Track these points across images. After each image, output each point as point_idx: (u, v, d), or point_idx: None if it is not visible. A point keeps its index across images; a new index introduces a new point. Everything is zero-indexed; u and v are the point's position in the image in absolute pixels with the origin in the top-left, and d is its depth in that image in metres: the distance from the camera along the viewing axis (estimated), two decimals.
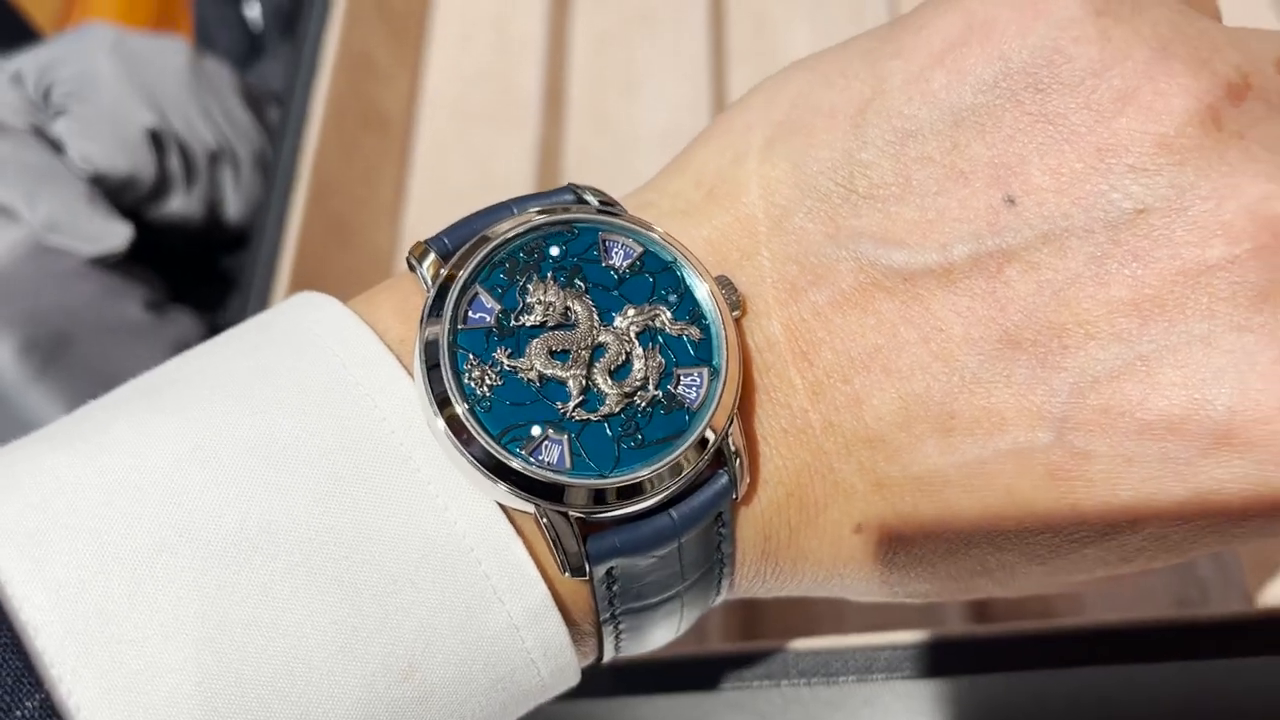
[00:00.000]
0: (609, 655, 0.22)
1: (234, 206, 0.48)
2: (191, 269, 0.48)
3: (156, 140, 0.44)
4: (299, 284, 0.41)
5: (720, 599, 0.23)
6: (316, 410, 0.19)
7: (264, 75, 0.57)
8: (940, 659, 0.27)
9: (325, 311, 0.21)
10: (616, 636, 0.22)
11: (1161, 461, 0.19)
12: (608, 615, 0.21)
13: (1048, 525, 0.20)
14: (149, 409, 0.19)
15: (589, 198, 0.22)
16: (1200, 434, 0.19)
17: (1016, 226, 0.20)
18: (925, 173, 0.20)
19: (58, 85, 0.43)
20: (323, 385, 0.20)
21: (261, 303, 0.40)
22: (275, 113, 0.51)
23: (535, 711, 0.22)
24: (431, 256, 0.21)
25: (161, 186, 0.45)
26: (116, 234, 0.41)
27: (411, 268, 0.21)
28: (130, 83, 0.44)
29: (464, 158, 0.51)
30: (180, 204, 0.45)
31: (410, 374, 0.20)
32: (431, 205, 0.49)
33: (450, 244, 0.21)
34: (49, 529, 0.18)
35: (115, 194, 0.44)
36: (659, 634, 0.22)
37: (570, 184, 0.23)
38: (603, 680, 0.28)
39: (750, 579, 0.22)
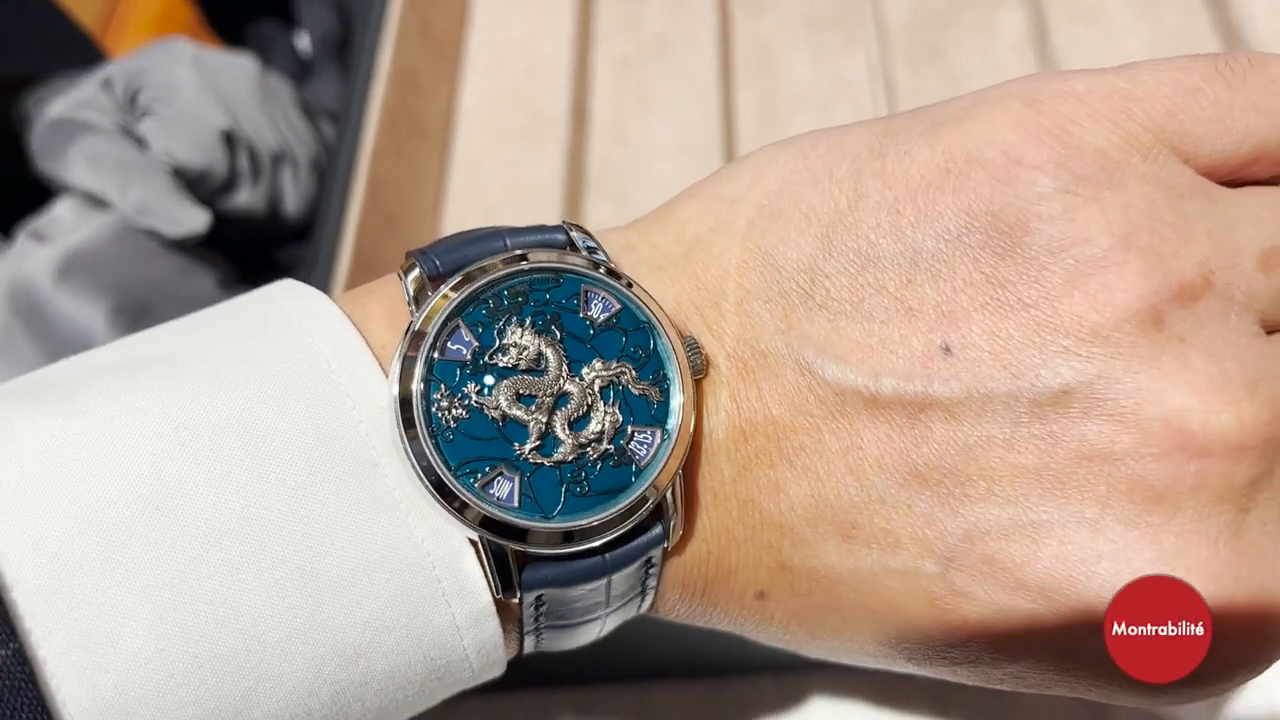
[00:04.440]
0: (528, 651, 0.23)
1: (292, 203, 0.53)
2: (252, 257, 0.54)
3: (229, 140, 0.50)
4: (356, 266, 0.46)
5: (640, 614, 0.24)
6: (298, 405, 0.20)
7: (315, 94, 0.62)
8: None
9: (316, 308, 0.21)
10: (537, 640, 0.23)
11: (1029, 618, 0.20)
12: (532, 628, 0.22)
13: (922, 640, 0.21)
14: (135, 382, 0.20)
15: (578, 240, 0.23)
16: (1068, 605, 0.19)
17: (946, 377, 0.20)
18: (877, 300, 0.21)
19: (145, 90, 0.49)
20: (307, 382, 0.20)
21: (323, 282, 0.45)
22: (327, 125, 0.57)
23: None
24: (417, 272, 0.21)
25: (231, 181, 0.50)
26: (196, 218, 0.47)
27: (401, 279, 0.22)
28: (207, 90, 0.49)
29: (497, 165, 0.56)
30: (246, 198, 0.51)
31: (386, 380, 0.21)
32: (467, 203, 0.55)
33: (441, 267, 0.21)
34: (29, 488, 0.18)
35: (192, 186, 0.49)
36: (578, 642, 0.23)
37: (564, 222, 0.23)
38: None
39: (668, 611, 0.24)
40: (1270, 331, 0.21)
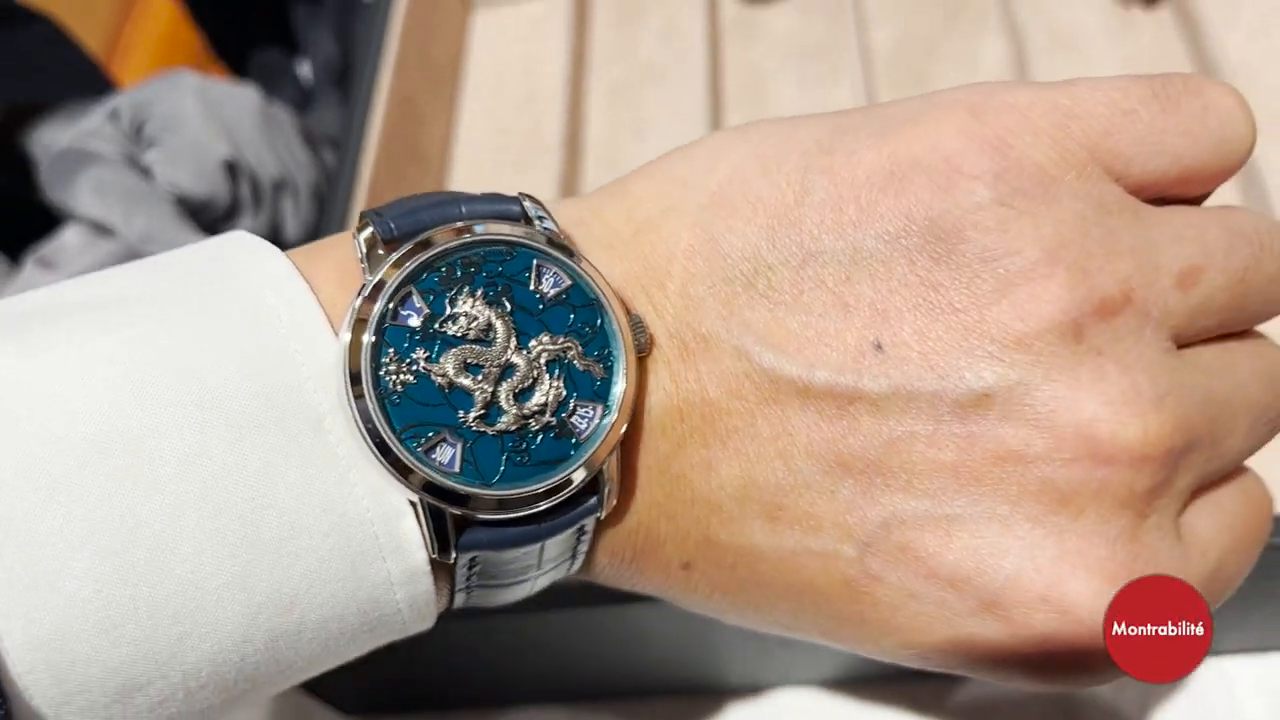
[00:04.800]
0: (458, 606, 0.24)
1: (293, 229, 0.54)
2: None
3: (231, 170, 0.51)
4: None
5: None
6: (246, 357, 0.20)
7: (317, 122, 0.64)
8: None
9: (268, 261, 0.22)
10: (468, 597, 0.23)
11: (937, 605, 0.21)
12: (464, 586, 0.23)
13: (836, 619, 0.23)
14: (86, 326, 0.20)
15: (532, 212, 0.23)
16: (974, 594, 0.21)
17: (875, 373, 0.21)
18: (816, 294, 0.22)
19: (150, 121, 0.50)
20: (255, 334, 0.20)
21: None
22: (328, 151, 0.59)
23: None
24: (370, 232, 0.22)
25: (233, 210, 0.52)
26: None
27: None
28: (211, 121, 0.51)
29: (494, 190, 0.57)
30: (248, 225, 0.52)
31: (337, 339, 0.21)
32: None
33: (395, 230, 0.22)
34: None
35: (195, 214, 0.50)
36: (507, 600, 0.24)
37: (520, 193, 0.24)
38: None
39: (597, 574, 0.25)
40: (1181, 346, 0.22)
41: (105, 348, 0.20)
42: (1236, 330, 0.23)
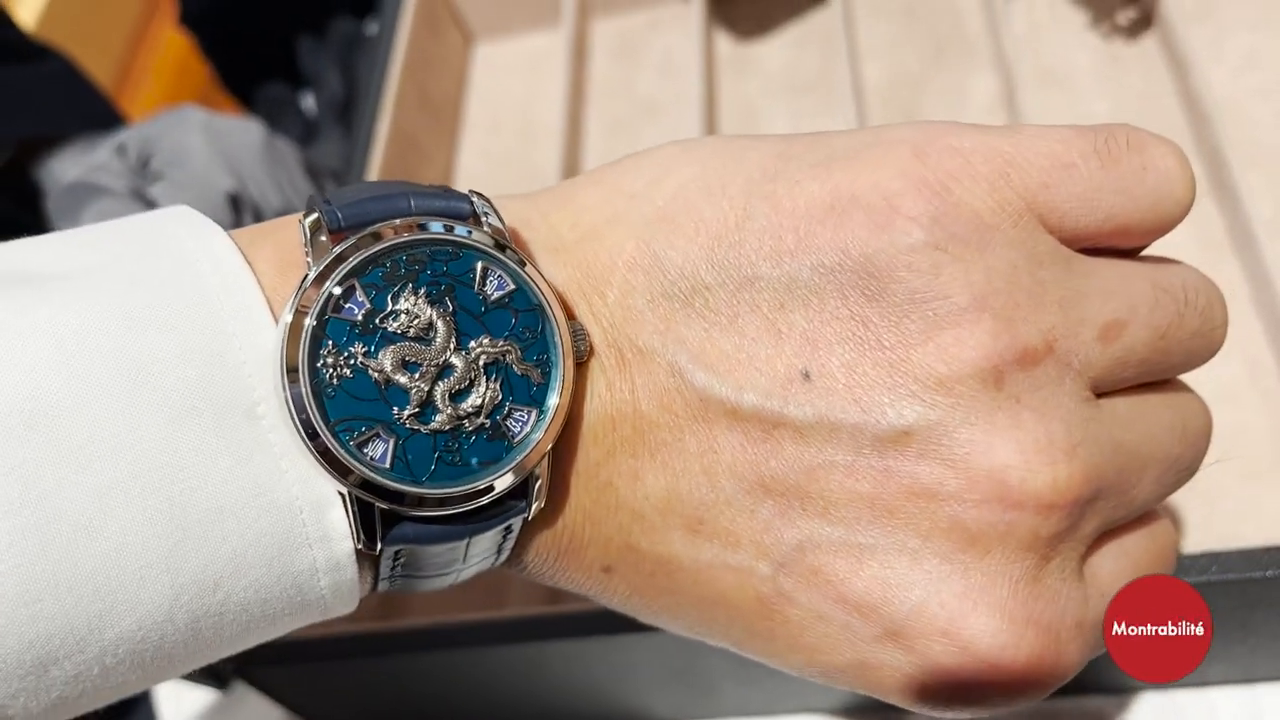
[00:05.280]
0: (380, 592, 0.24)
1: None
2: None
3: (235, 203, 0.52)
4: None
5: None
6: (183, 338, 0.20)
7: (320, 154, 0.65)
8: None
9: (210, 241, 0.21)
10: (390, 586, 0.24)
11: (843, 628, 0.22)
12: (387, 576, 0.23)
13: (747, 631, 0.23)
14: (19, 299, 0.20)
15: (480, 209, 0.23)
16: (879, 622, 0.21)
17: (801, 401, 0.21)
18: (750, 319, 0.22)
19: (156, 156, 0.52)
20: (193, 315, 0.20)
21: None
22: (332, 185, 0.60)
23: None
24: (316, 218, 0.22)
25: None
26: None
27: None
28: (216, 155, 0.52)
29: None
30: None
31: (275, 325, 0.21)
32: None
33: (343, 221, 0.22)
34: None
35: None
36: (431, 589, 0.25)
37: (471, 191, 0.24)
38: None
39: (522, 571, 0.25)
40: (1099, 395, 0.22)
41: (39, 320, 0.19)
42: (1155, 380, 0.24)
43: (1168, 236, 0.23)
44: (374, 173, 0.52)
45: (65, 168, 0.55)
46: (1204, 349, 0.24)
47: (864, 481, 0.21)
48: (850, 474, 0.21)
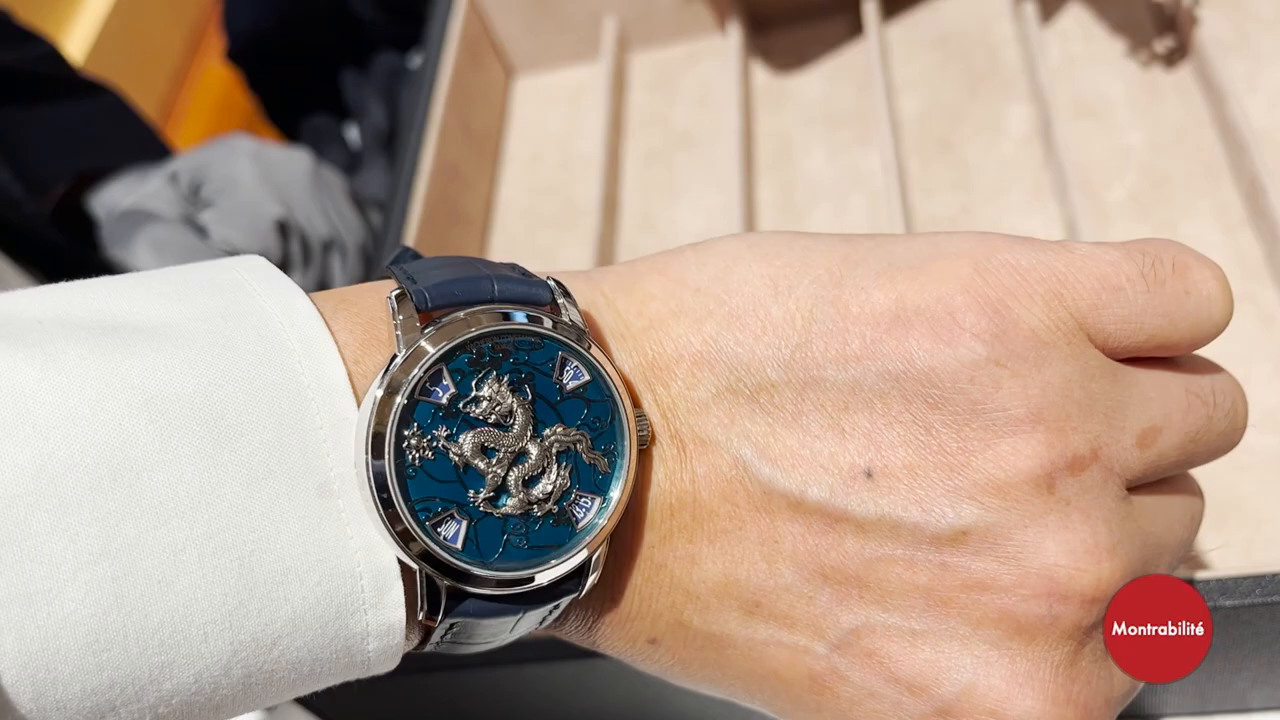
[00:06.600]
0: (424, 651, 0.25)
1: (340, 286, 0.57)
2: None
3: (283, 229, 0.53)
4: None
5: None
6: (265, 401, 0.20)
7: (363, 184, 0.67)
8: None
9: (293, 306, 0.22)
10: (435, 649, 0.24)
11: (894, 705, 0.23)
12: (436, 642, 0.24)
13: (793, 703, 0.24)
14: (112, 350, 0.20)
15: (560, 298, 0.24)
16: (930, 700, 0.23)
17: (864, 498, 0.23)
18: (814, 417, 0.23)
19: (207, 184, 0.53)
20: (276, 379, 0.21)
21: None
22: (375, 213, 0.61)
23: None
24: (405, 299, 0.22)
25: (283, 267, 0.54)
26: None
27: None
28: (265, 183, 0.53)
29: (532, 253, 0.59)
30: (298, 282, 0.54)
31: (356, 401, 0.21)
32: None
33: (430, 301, 0.22)
34: None
35: None
36: (468, 653, 0.25)
37: (549, 277, 0.25)
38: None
39: (561, 635, 0.26)
40: (1132, 489, 0.24)
41: (127, 372, 0.20)
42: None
43: None
44: (417, 202, 0.53)
45: (118, 196, 0.56)
46: (1225, 446, 0.26)
47: (921, 574, 0.23)
48: (909, 567, 0.23)
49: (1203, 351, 0.25)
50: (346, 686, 0.24)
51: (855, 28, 0.61)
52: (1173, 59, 0.53)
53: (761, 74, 0.62)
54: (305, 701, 0.40)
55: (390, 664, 0.23)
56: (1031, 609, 0.22)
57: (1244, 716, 0.37)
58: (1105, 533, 0.22)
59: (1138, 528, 0.24)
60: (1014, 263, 0.23)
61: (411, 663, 0.24)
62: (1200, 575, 0.31)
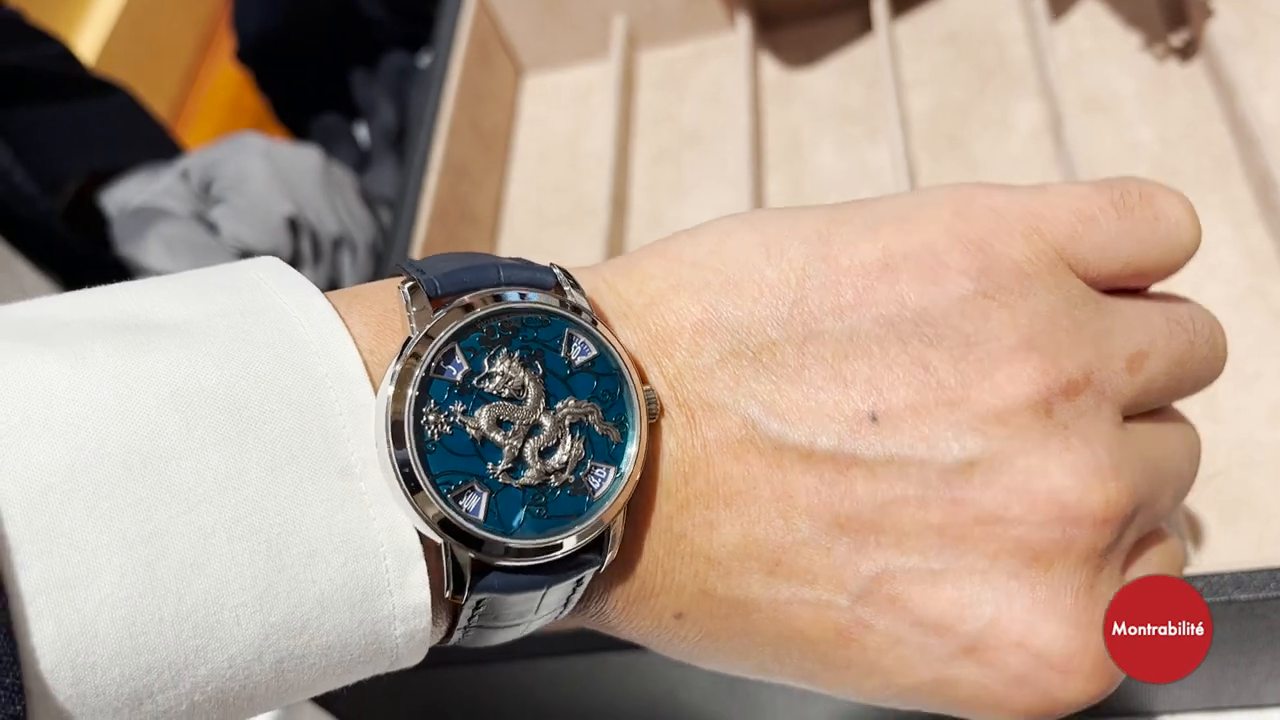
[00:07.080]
0: (450, 644, 0.25)
1: (350, 284, 0.57)
2: None
3: (293, 226, 0.54)
4: None
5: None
6: (286, 391, 0.21)
7: (373, 182, 0.67)
8: None
9: (310, 303, 0.23)
10: (463, 637, 0.25)
11: (920, 649, 0.24)
12: (464, 625, 0.24)
13: (821, 662, 0.25)
14: (139, 346, 0.21)
15: (564, 282, 0.25)
16: (956, 640, 0.23)
17: (871, 441, 0.23)
18: (816, 369, 0.24)
19: (218, 181, 0.53)
20: (295, 370, 0.21)
21: None
22: (385, 211, 0.61)
23: None
24: (413, 284, 0.23)
25: (294, 263, 0.54)
26: None
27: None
28: (275, 180, 0.54)
29: (540, 251, 0.59)
30: (308, 278, 0.55)
31: (373, 388, 0.22)
32: None
33: (440, 288, 0.23)
34: (30, 428, 0.19)
35: None
36: (498, 641, 0.26)
37: (552, 264, 0.25)
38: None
39: (587, 621, 0.26)
40: (1126, 419, 0.25)
41: (152, 367, 0.20)
42: (1166, 405, 0.27)
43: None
44: (427, 200, 0.54)
45: (130, 194, 0.56)
46: (1209, 374, 0.27)
47: (934, 513, 0.23)
48: (921, 506, 0.23)
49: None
50: (364, 688, 0.24)
51: (864, 24, 0.61)
52: (1185, 53, 0.53)
53: (770, 71, 0.62)
54: (326, 704, 0.41)
55: (418, 655, 0.23)
56: (1045, 535, 0.23)
57: (1257, 712, 0.37)
58: (1105, 454, 0.23)
59: (1137, 452, 0.24)
60: (992, 204, 0.24)
61: (428, 658, 0.24)
62: (1214, 569, 0.31)
